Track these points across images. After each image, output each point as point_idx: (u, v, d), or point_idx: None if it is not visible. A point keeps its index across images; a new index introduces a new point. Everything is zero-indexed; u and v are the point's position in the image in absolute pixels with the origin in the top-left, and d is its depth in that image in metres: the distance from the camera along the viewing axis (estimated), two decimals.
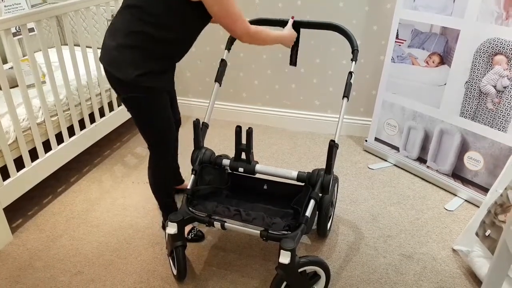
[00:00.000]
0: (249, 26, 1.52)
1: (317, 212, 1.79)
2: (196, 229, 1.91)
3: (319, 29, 1.79)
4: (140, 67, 1.47)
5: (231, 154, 1.78)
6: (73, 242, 1.92)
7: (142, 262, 1.80)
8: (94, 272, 1.75)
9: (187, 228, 1.85)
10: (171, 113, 1.67)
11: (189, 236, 1.89)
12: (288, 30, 1.76)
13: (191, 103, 3.21)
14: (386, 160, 2.59)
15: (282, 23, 1.79)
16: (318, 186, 1.61)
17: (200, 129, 1.72)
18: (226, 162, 1.74)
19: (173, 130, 1.70)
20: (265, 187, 1.81)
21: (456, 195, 2.24)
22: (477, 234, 1.69)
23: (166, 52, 1.52)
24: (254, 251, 1.86)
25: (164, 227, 1.96)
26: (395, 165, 2.54)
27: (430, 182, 2.36)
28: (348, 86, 1.68)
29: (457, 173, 2.23)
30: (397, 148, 2.52)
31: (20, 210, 2.13)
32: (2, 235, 1.88)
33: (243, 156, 1.72)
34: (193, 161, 1.73)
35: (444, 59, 2.18)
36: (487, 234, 1.62)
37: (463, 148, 2.17)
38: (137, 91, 1.52)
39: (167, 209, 1.83)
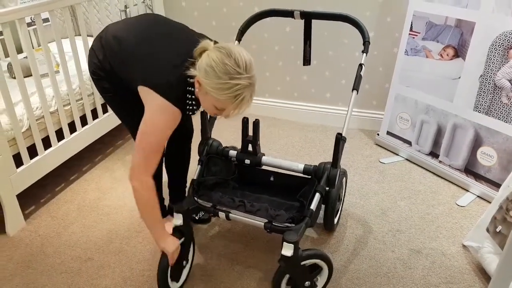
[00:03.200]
0: (144, 174, 1.38)
1: (323, 206, 1.78)
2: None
3: (330, 20, 1.76)
4: None
5: (239, 145, 1.79)
6: (84, 230, 1.96)
7: (151, 250, 1.83)
8: (103, 259, 1.78)
9: None
10: None
11: (197, 217, 1.92)
12: (172, 240, 1.49)
13: None
14: (397, 154, 2.56)
15: (290, 14, 1.76)
16: (324, 179, 1.60)
17: (207, 120, 1.72)
18: (232, 153, 1.74)
19: None
20: (271, 178, 1.81)
21: (468, 191, 2.20)
22: (488, 230, 1.66)
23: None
24: (259, 243, 1.87)
25: None
26: (407, 159, 2.51)
27: (442, 177, 2.33)
28: (358, 78, 1.66)
29: (470, 169, 2.19)
30: (409, 142, 2.49)
31: (33, 197, 2.17)
32: (15, 221, 1.93)
33: (250, 148, 1.72)
34: (200, 152, 1.74)
35: (459, 52, 2.13)
36: (498, 230, 1.59)
37: (477, 143, 2.12)
38: None
39: None
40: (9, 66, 2.24)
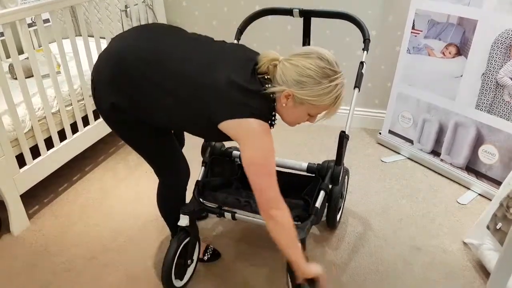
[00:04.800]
0: (281, 202, 1.25)
1: (326, 204, 1.78)
2: (211, 248, 1.80)
3: (330, 18, 1.76)
4: None
5: None
6: (87, 229, 1.97)
7: (154, 248, 1.84)
8: (107, 257, 1.80)
9: (202, 247, 1.76)
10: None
11: (205, 257, 1.76)
12: (315, 265, 1.34)
13: None
14: (399, 153, 2.56)
15: (289, 12, 1.76)
16: (328, 177, 1.61)
17: None
18: (236, 153, 1.74)
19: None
20: None
21: (469, 189, 2.21)
22: (488, 227, 1.67)
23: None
24: (263, 241, 1.87)
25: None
26: (408, 158, 2.52)
27: (443, 176, 2.33)
28: (359, 76, 1.67)
29: (471, 167, 2.19)
30: (411, 141, 2.49)
31: (37, 197, 2.18)
32: (19, 221, 1.94)
33: None
34: (203, 153, 1.75)
35: (461, 50, 2.13)
36: (498, 227, 1.60)
37: (478, 141, 2.13)
38: None
39: (175, 231, 1.64)
40: (11, 67, 2.25)
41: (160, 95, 1.25)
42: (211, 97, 1.21)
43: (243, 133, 1.22)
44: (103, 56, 1.32)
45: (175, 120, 1.32)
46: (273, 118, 1.31)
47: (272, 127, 1.32)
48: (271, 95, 1.26)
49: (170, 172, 1.54)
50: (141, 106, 1.28)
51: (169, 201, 1.62)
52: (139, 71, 1.24)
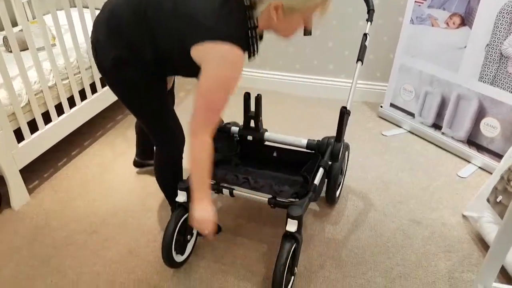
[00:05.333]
0: (206, 134, 1.27)
1: (326, 180, 1.78)
2: None
3: None
4: None
5: (241, 121, 1.77)
6: (87, 203, 1.97)
7: (155, 222, 1.85)
8: (108, 231, 1.81)
9: None
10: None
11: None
12: (208, 212, 1.35)
13: None
14: (400, 127, 2.54)
15: None
16: (328, 154, 1.59)
17: None
18: (235, 129, 1.72)
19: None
20: (274, 154, 1.80)
21: (470, 162, 2.20)
22: (488, 200, 1.67)
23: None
24: (262, 217, 1.88)
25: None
26: (409, 131, 2.50)
27: (444, 149, 2.32)
28: (362, 49, 1.63)
29: (473, 140, 2.17)
30: (412, 114, 2.47)
31: (36, 172, 2.18)
32: (19, 196, 1.94)
33: (252, 123, 1.70)
34: None
35: (465, 20, 2.07)
36: (498, 200, 1.60)
37: (480, 114, 2.10)
38: None
39: (174, 204, 1.63)
40: (5, 39, 2.20)
41: (149, 35, 1.28)
42: (185, 24, 1.21)
43: (210, 56, 1.18)
44: (97, 19, 1.38)
45: (165, 58, 1.33)
46: (253, 43, 1.27)
47: (254, 55, 1.30)
48: (251, 16, 1.23)
49: (167, 137, 1.54)
50: (136, 47, 1.31)
51: (167, 169, 1.62)
52: (129, 20, 1.28)
